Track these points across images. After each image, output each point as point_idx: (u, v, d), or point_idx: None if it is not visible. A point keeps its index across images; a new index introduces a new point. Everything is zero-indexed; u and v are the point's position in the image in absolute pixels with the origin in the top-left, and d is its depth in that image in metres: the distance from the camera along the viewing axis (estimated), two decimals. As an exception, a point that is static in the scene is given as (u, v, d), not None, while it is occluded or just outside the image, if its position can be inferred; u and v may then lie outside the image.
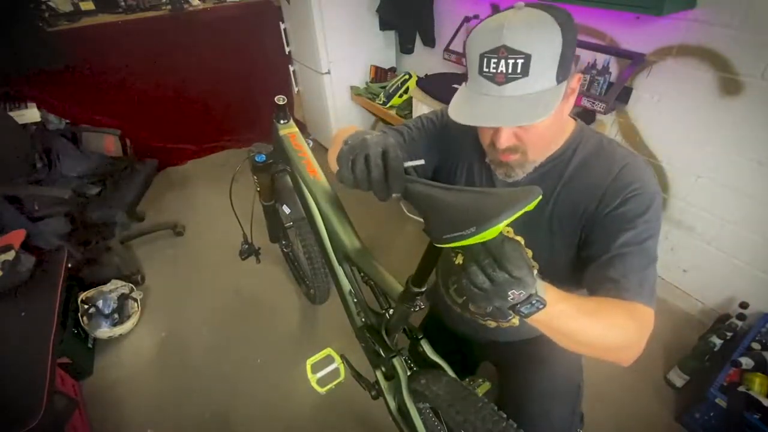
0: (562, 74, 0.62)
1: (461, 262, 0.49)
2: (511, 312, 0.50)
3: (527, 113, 0.61)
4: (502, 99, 0.62)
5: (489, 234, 0.45)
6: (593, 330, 0.58)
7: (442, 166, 0.93)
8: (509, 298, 0.46)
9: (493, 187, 0.82)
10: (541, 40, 0.58)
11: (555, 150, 0.77)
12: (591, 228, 0.73)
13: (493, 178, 0.83)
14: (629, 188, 0.70)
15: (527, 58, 0.58)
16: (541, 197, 0.45)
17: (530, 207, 0.44)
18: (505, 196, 0.46)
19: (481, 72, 0.62)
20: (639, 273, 0.66)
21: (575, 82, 0.67)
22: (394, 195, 0.61)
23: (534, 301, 0.48)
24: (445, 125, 0.91)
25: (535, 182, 0.77)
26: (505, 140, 0.68)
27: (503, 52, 0.59)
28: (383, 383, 1.00)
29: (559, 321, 0.55)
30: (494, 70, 0.61)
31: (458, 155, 0.89)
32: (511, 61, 0.59)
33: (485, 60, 0.61)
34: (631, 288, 0.64)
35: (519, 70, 0.59)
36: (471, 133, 0.83)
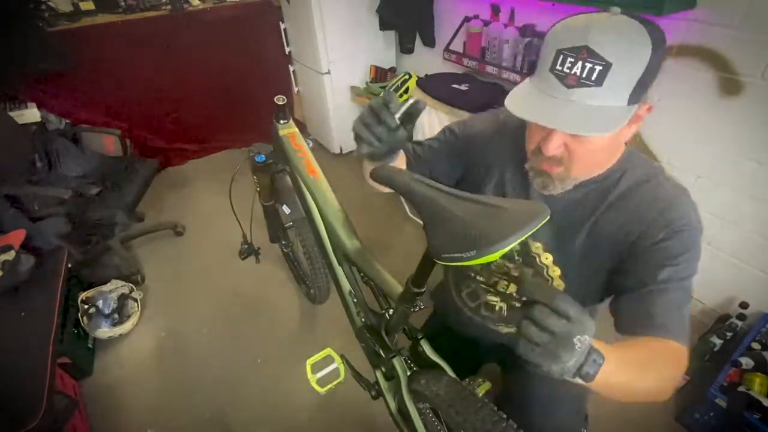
0: (636, 97, 0.57)
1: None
2: (572, 370, 0.44)
3: (588, 124, 0.56)
4: (566, 102, 0.57)
5: (490, 258, 0.43)
6: (642, 383, 0.54)
7: (466, 178, 0.89)
8: (576, 347, 0.42)
9: (526, 197, 0.78)
10: (627, 52, 0.54)
11: (600, 172, 0.72)
12: (629, 258, 0.69)
13: (528, 188, 0.78)
14: (675, 223, 0.66)
15: (606, 66, 0.54)
16: (549, 218, 0.43)
17: (536, 229, 0.42)
18: (512, 214, 0.44)
19: (553, 69, 0.58)
20: (677, 311, 0.63)
21: (644, 110, 0.62)
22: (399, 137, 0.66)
23: (595, 357, 0.44)
24: (470, 135, 0.87)
25: (574, 202, 0.73)
26: (554, 147, 0.63)
27: (584, 53, 0.54)
28: (383, 383, 1.00)
29: (610, 376, 0.48)
30: (567, 70, 0.56)
31: (487, 165, 0.84)
32: (588, 65, 0.54)
33: (561, 57, 0.56)
34: (670, 326, 0.62)
35: (594, 77, 0.55)
36: (505, 140, 0.81)
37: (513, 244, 0.42)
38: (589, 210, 0.73)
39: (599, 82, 0.55)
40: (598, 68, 0.54)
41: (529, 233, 0.42)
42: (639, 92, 0.57)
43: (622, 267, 0.71)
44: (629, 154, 0.74)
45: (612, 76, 0.54)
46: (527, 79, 0.65)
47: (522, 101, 0.62)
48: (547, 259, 0.69)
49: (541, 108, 0.59)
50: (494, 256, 0.43)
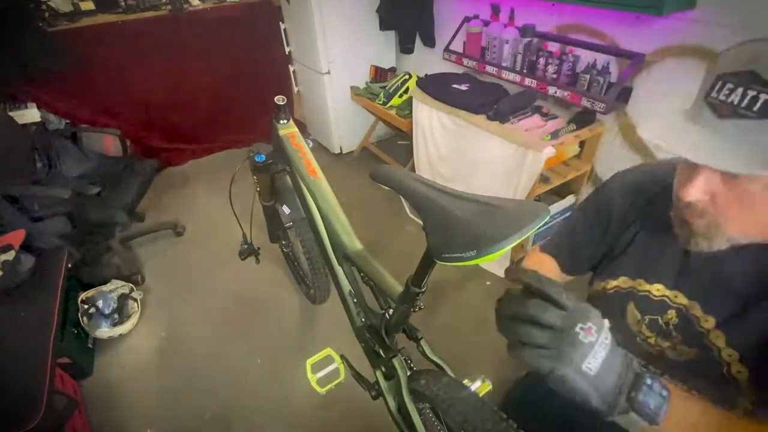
0: None
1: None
2: (621, 402, 0.41)
3: (732, 158, 0.45)
4: (713, 135, 0.48)
5: (489, 258, 0.42)
6: None
7: (613, 248, 0.77)
8: (580, 338, 0.39)
9: (686, 261, 0.66)
10: None
11: None
12: None
13: (674, 246, 0.64)
14: None
15: None
16: (549, 217, 0.41)
17: (538, 228, 0.41)
18: (512, 213, 0.44)
19: (707, 97, 0.49)
20: None
21: None
22: None
23: (650, 383, 0.41)
24: (607, 198, 0.76)
25: (748, 269, 0.60)
26: (695, 189, 0.52)
27: (747, 78, 0.45)
28: (383, 383, 1.00)
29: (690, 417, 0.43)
30: (724, 98, 0.47)
31: (627, 225, 0.73)
32: (751, 93, 0.44)
33: (720, 83, 0.47)
34: None
35: (756, 108, 0.44)
36: (644, 195, 0.71)
37: (513, 244, 0.42)
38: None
39: (763, 114, 0.44)
40: (763, 97, 0.44)
41: (530, 233, 0.42)
42: None
43: None
44: None
45: None
46: (679, 111, 0.55)
47: (659, 126, 0.53)
48: (719, 338, 0.61)
49: (681, 137, 0.50)
50: (494, 256, 0.42)
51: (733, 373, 0.62)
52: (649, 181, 0.72)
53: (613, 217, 0.75)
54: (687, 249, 0.60)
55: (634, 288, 0.72)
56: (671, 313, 0.67)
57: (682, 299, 0.66)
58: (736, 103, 0.46)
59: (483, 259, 0.43)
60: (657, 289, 0.69)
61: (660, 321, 0.70)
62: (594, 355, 0.41)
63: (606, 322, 0.43)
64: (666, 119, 0.54)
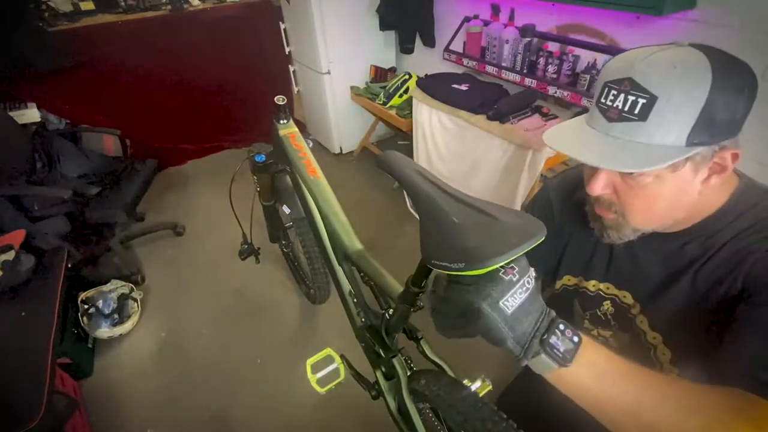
0: (700, 137, 0.49)
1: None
2: (531, 345, 0.43)
3: (621, 158, 0.51)
4: (604, 137, 0.53)
5: (477, 273, 0.42)
6: (647, 407, 0.44)
7: (563, 255, 0.80)
8: (501, 274, 0.42)
9: (611, 256, 0.72)
10: (678, 84, 0.47)
11: (688, 226, 0.62)
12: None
13: (611, 246, 0.69)
14: None
15: (651, 100, 0.48)
16: (544, 238, 0.41)
17: (531, 248, 0.41)
18: (507, 228, 0.43)
19: (598, 102, 0.54)
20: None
21: (727, 157, 0.54)
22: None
23: (562, 328, 0.43)
24: (546, 202, 0.81)
25: (654, 257, 0.66)
26: (597, 186, 0.57)
27: (626, 85, 0.50)
28: (383, 383, 1.00)
29: (597, 373, 0.44)
30: (610, 103, 0.52)
31: (563, 231, 0.78)
32: (631, 98, 0.50)
33: (606, 90, 0.53)
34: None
35: (636, 111, 0.50)
36: (575, 195, 0.75)
37: (502, 263, 0.40)
38: (676, 271, 0.63)
39: (643, 116, 0.50)
40: (641, 101, 0.49)
41: (522, 252, 0.41)
42: (704, 132, 0.49)
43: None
44: (740, 197, 0.61)
45: (658, 111, 0.49)
46: (582, 116, 0.61)
47: (559, 132, 0.60)
48: (643, 322, 0.67)
49: (573, 139, 0.56)
50: (481, 272, 0.41)
51: (659, 356, 0.69)
52: (579, 181, 0.75)
53: (556, 218, 0.79)
54: (604, 242, 0.66)
55: (577, 285, 0.78)
56: (606, 304, 0.74)
57: (613, 290, 0.73)
58: (620, 107, 0.51)
59: (470, 272, 0.41)
60: (593, 285, 0.75)
61: (599, 313, 0.77)
62: (513, 294, 0.43)
63: (532, 270, 0.45)
64: (567, 124, 0.60)
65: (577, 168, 0.80)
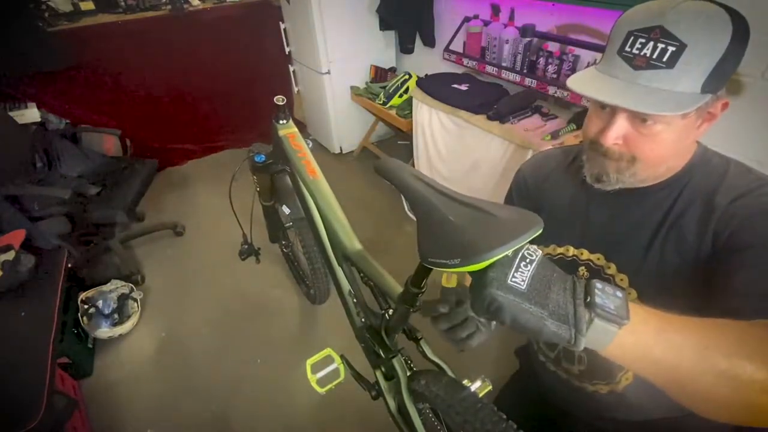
0: (711, 86, 0.52)
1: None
2: (578, 313, 0.37)
3: (654, 103, 0.52)
4: (630, 84, 0.54)
5: (474, 267, 0.41)
6: (693, 367, 0.39)
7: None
8: (527, 253, 0.40)
9: (586, 220, 0.74)
10: (705, 33, 0.50)
11: (666, 177, 0.64)
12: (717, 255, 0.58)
13: (586, 211, 0.73)
14: (741, 190, 0.60)
15: (680, 47, 0.50)
16: (541, 231, 0.41)
17: (526, 242, 0.40)
18: (504, 223, 0.42)
19: (621, 51, 0.55)
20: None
21: (719, 107, 0.57)
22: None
23: (601, 286, 0.38)
24: (520, 185, 0.84)
25: (635, 213, 0.67)
26: (615, 132, 0.58)
27: (657, 33, 0.51)
28: (383, 383, 1.00)
29: (646, 340, 0.39)
30: (637, 52, 0.53)
31: (542, 206, 0.80)
32: (661, 46, 0.51)
33: (632, 38, 0.53)
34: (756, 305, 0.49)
35: (665, 59, 0.51)
36: (545, 169, 0.80)
37: (499, 257, 0.40)
38: (655, 224, 0.65)
39: (671, 64, 0.51)
40: (671, 49, 0.51)
41: (519, 245, 0.40)
42: (715, 81, 0.52)
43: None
44: (702, 156, 0.66)
45: (685, 59, 0.50)
46: (590, 67, 0.60)
47: (585, 80, 0.58)
48: (610, 268, 0.67)
49: (601, 87, 0.56)
50: (478, 266, 0.41)
51: None
52: (549, 158, 0.82)
53: (533, 195, 0.82)
54: (592, 189, 0.67)
55: (550, 254, 0.79)
56: (582, 270, 0.75)
57: (587, 254, 0.74)
58: (648, 54, 0.52)
59: (467, 268, 0.41)
60: (567, 250, 0.77)
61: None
62: (518, 269, 0.39)
63: (532, 246, 0.42)
64: (583, 75, 0.60)
65: (545, 151, 0.86)
